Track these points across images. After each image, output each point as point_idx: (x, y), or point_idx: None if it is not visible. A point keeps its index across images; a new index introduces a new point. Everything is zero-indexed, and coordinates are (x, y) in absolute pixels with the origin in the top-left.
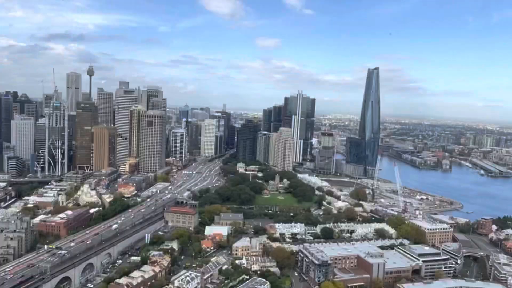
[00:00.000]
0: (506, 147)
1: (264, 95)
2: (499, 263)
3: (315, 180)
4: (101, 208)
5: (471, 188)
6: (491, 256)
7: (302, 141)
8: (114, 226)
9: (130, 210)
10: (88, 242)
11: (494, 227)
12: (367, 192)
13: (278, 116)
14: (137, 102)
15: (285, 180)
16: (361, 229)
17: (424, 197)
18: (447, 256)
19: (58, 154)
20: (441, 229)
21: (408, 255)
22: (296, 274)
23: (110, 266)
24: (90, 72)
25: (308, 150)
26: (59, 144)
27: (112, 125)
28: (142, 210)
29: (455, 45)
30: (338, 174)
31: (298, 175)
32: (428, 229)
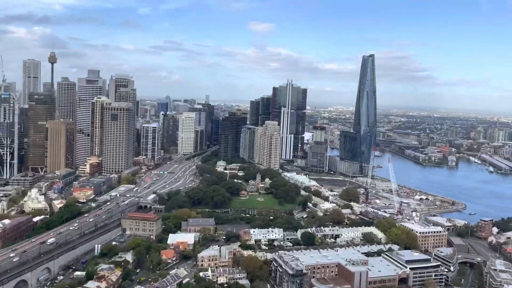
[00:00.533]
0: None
1: (258, 86)
2: (495, 269)
3: (302, 179)
4: (48, 216)
5: (477, 187)
6: (487, 262)
7: (292, 136)
8: (50, 241)
9: (81, 217)
10: (15, 260)
11: (494, 229)
12: (361, 192)
13: (266, 109)
14: (102, 93)
15: (267, 179)
16: (347, 234)
17: (424, 197)
18: (439, 263)
19: (6, 154)
20: (434, 232)
21: (395, 262)
22: (269, 287)
23: (49, 283)
24: (52, 59)
25: (299, 145)
26: (7, 142)
27: (71, 120)
28: (92, 218)
29: (467, 31)
30: (332, 172)
31: (285, 173)
32: (420, 233)
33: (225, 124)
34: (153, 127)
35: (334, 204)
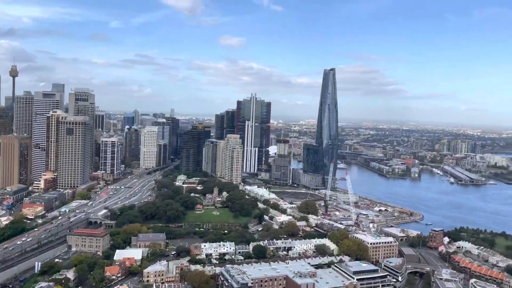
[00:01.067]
0: (481, 153)
1: (230, 99)
2: (441, 279)
3: (262, 192)
4: None
5: (437, 198)
6: (435, 272)
7: (256, 149)
8: None
9: (26, 233)
10: None
11: (446, 239)
12: (322, 204)
13: (231, 122)
14: (60, 107)
15: (224, 193)
16: (300, 246)
17: (383, 209)
18: (387, 273)
19: None
20: (385, 243)
21: (344, 273)
22: None
23: None
24: (14, 73)
25: (263, 159)
26: None
27: (26, 134)
28: (37, 235)
29: (435, 45)
30: (295, 185)
31: (246, 187)
32: (371, 244)
33: (187, 137)
34: (112, 141)
35: (291, 217)
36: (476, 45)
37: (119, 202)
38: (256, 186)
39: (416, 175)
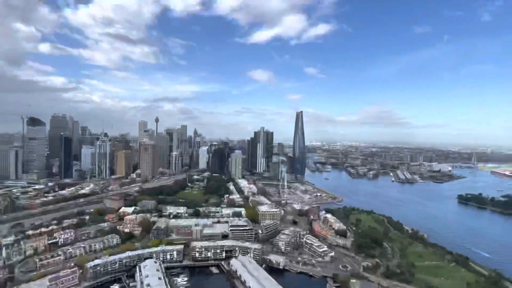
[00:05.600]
0: (433, 162)
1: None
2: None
3: (244, 184)
4: None
5: (364, 190)
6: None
7: (264, 158)
8: None
9: None
10: None
11: (322, 213)
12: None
13: (253, 143)
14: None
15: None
16: (224, 211)
17: (319, 194)
18: (251, 227)
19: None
20: (270, 211)
21: (227, 226)
22: None
23: None
24: (156, 120)
25: (268, 165)
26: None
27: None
28: None
29: (434, 91)
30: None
31: (238, 180)
32: (261, 212)
33: (217, 151)
34: (175, 154)
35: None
36: (462, 90)
37: None
38: (243, 179)
39: (371, 176)
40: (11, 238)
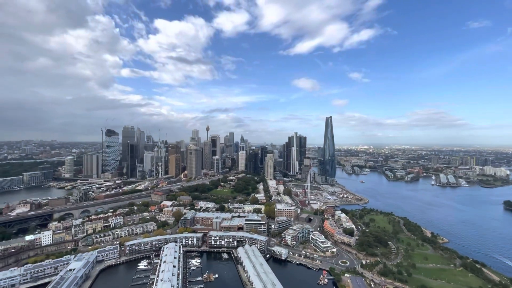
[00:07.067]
0: (486, 166)
1: (341, 135)
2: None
3: (272, 183)
4: None
5: (396, 192)
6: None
7: (298, 161)
8: None
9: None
10: None
11: (338, 212)
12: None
13: (288, 146)
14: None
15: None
16: (246, 208)
17: (346, 195)
18: (264, 222)
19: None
20: (286, 209)
21: (243, 219)
22: None
23: None
24: (207, 128)
25: (300, 167)
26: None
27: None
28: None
29: (499, 89)
30: (313, 181)
31: (268, 181)
32: (277, 209)
33: (251, 155)
34: (217, 158)
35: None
36: None
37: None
38: (272, 179)
39: (409, 179)
40: (80, 220)
